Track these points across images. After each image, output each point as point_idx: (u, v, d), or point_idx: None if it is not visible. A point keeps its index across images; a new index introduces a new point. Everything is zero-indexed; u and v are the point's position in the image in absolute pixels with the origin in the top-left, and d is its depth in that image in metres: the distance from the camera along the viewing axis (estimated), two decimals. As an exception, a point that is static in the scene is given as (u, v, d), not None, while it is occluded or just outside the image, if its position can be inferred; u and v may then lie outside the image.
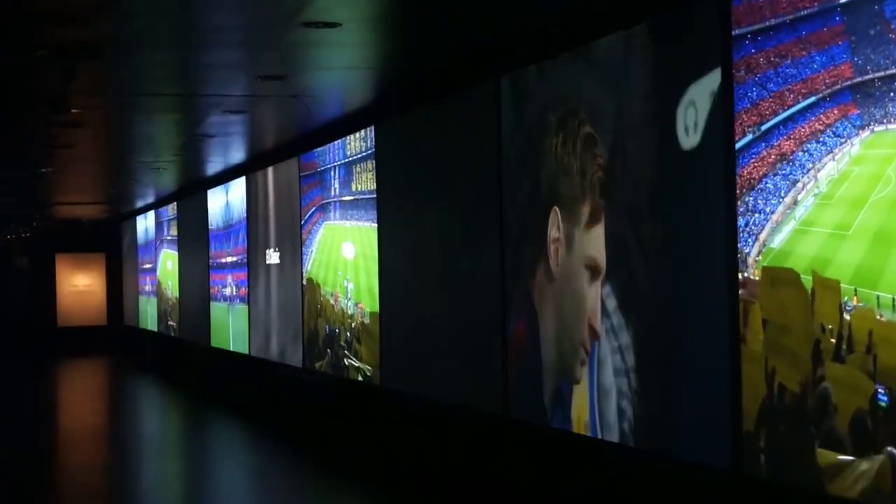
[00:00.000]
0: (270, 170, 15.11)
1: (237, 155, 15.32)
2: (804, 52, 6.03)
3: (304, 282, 13.67)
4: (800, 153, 6.08)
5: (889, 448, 5.33)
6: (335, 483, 10.72)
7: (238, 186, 16.75)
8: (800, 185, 6.07)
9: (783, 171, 6.18)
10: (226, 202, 17.58)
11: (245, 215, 16.40)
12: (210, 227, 18.63)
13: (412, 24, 8.12)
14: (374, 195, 11.44)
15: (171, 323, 22.34)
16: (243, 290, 16.56)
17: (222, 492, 11.02)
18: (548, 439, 8.22)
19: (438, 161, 9.90)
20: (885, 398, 5.38)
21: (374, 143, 11.42)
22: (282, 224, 14.73)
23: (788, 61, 6.14)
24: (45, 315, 29.61)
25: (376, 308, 11.41)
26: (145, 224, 25.16)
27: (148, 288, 25.00)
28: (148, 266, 25.03)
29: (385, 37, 8.58)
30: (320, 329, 13.15)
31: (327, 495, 10.28)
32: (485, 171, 8.95)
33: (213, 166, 16.67)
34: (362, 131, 11.72)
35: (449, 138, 9.70)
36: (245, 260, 16.45)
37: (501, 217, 8.73)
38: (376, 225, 11.35)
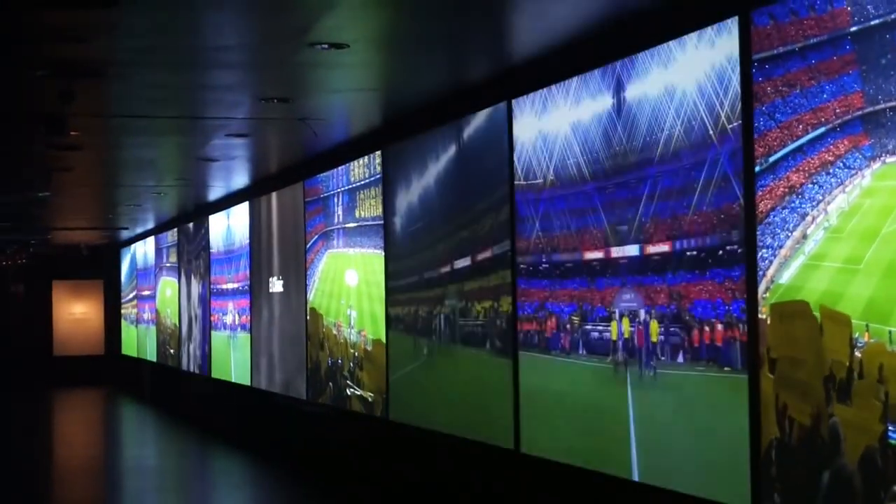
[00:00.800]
0: (274, 195, 15.09)
1: (240, 180, 15.32)
2: (813, 82, 5.99)
3: (308, 313, 13.64)
4: (809, 185, 6.02)
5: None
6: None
7: (240, 211, 16.73)
8: (809, 218, 6.01)
9: (792, 204, 6.12)
10: (227, 226, 17.56)
11: (248, 242, 16.37)
12: (211, 250, 18.61)
13: (421, 46, 8.10)
14: (379, 221, 11.45)
15: (170, 352, 22.30)
16: (245, 318, 16.52)
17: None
18: (559, 474, 8.16)
19: (449, 186, 9.87)
20: (895, 435, 5.34)
21: (379, 168, 11.43)
22: (285, 251, 14.70)
23: (797, 90, 6.09)
24: (41, 343, 29.56)
25: (379, 335, 11.39)
26: (144, 250, 25.16)
27: (147, 316, 24.97)
28: (147, 293, 25.02)
29: (393, 58, 8.57)
30: (322, 360, 13.11)
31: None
32: (497, 196, 8.93)
33: (216, 191, 16.66)
34: (366, 157, 11.72)
35: (459, 163, 9.68)
36: (247, 287, 16.42)
37: (513, 243, 8.70)
38: (381, 251, 11.33)
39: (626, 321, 7.37)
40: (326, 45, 7.70)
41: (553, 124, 8.23)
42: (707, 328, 6.65)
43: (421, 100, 9.80)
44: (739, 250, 6.39)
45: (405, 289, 10.83)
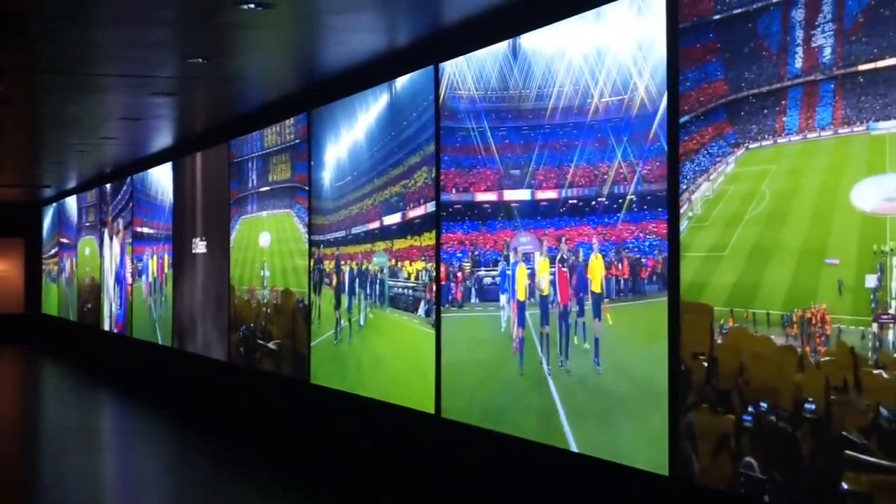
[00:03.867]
0: (199, 156, 14.97)
1: (165, 139, 15.16)
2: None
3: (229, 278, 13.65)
4: (673, 177, 6.27)
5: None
6: (246, 472, 10.60)
7: (165, 170, 16.62)
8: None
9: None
10: (152, 184, 17.42)
11: (171, 202, 16.26)
12: (136, 208, 18.47)
13: (350, 8, 8.03)
14: (290, 184, 11.79)
15: (88, 307, 22.15)
16: (165, 272, 16.49)
17: (132, 484, 10.86)
18: (479, 441, 8.20)
19: (379, 140, 9.85)
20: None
21: (291, 136, 11.74)
22: (209, 212, 14.57)
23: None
24: (-41, 302, 29.10)
25: (290, 286, 11.68)
26: (67, 206, 24.95)
27: (67, 272, 24.80)
28: (67, 246, 24.89)
29: (321, 19, 8.52)
30: (239, 326, 13.11)
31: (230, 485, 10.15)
32: (429, 151, 8.92)
33: (140, 150, 16.49)
34: (277, 126, 11.96)
35: (390, 116, 9.66)
36: (170, 243, 16.35)
37: (438, 201, 8.68)
38: (290, 210, 11.64)
39: (545, 264, 7.39)
40: (253, 5, 7.68)
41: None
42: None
43: (348, 62, 9.76)
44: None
45: (331, 244, 10.88)
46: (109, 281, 20.52)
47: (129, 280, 18.79)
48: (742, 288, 5.59)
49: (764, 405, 5.38)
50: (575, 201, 6.99)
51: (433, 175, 8.82)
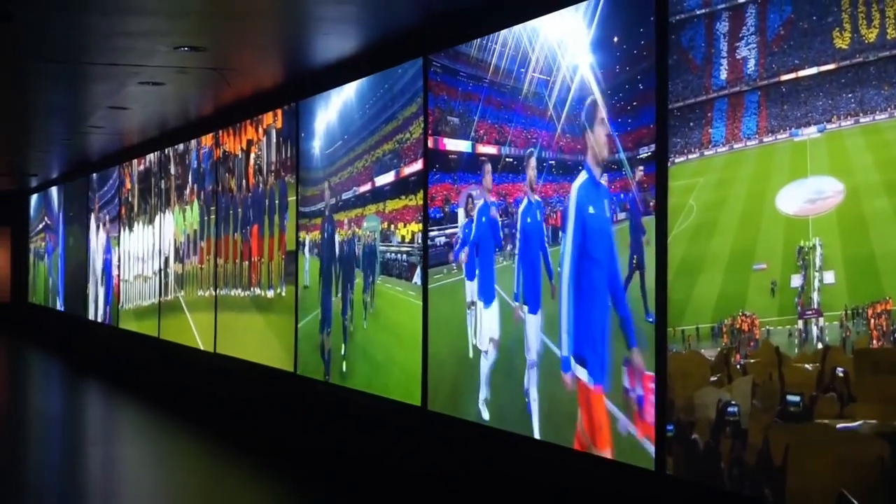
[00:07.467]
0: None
1: (154, 129, 15.51)
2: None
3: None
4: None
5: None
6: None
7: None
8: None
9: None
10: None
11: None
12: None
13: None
14: None
15: (77, 302, 22.52)
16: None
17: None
18: (462, 431, 8.37)
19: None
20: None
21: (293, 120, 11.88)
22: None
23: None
24: (-56, 291, 29.49)
25: None
26: (50, 197, 25.36)
27: (55, 255, 25.25)
28: (51, 235, 25.39)
29: (309, 9, 8.75)
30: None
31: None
32: (413, 144, 9.20)
33: (129, 139, 16.83)
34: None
35: (378, 115, 9.92)
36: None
37: (426, 194, 8.92)
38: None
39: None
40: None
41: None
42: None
43: (336, 54, 10.10)
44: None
45: (317, 214, 11.16)
46: (98, 271, 20.90)
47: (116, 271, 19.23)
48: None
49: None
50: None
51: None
